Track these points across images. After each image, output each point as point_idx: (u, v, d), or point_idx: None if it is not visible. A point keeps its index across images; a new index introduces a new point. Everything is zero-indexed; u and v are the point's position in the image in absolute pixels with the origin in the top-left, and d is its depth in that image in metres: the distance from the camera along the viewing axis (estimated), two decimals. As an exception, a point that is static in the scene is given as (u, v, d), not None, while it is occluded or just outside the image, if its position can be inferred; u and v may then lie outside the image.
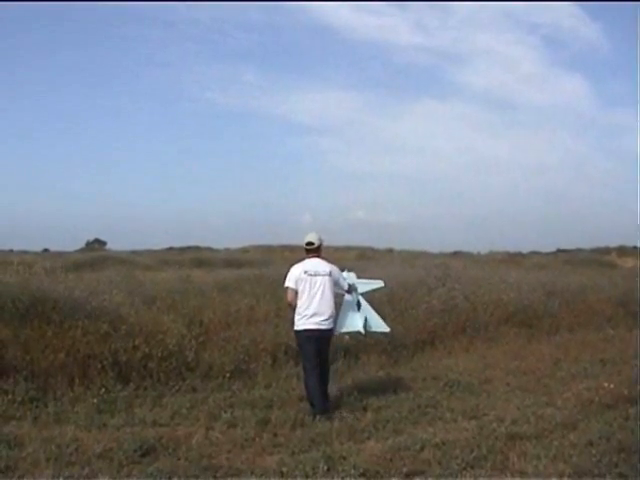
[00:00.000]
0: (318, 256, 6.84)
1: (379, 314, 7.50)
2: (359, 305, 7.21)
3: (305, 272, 6.65)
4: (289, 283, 6.69)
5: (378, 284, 7.71)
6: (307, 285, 6.62)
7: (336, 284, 6.83)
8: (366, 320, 7.15)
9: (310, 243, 6.82)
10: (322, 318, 6.61)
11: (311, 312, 6.58)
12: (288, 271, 6.81)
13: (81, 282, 9.98)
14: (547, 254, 38.80)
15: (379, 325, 7.33)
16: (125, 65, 62.29)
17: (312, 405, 6.55)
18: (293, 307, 6.72)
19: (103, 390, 7.06)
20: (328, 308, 6.66)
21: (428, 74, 64.40)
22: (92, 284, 10.33)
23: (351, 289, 7.15)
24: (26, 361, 7.18)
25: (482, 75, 66.61)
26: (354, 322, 7.13)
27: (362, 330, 7.16)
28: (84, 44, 60.02)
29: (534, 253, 38.57)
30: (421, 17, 63.72)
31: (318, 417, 6.30)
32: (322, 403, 6.52)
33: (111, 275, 14.69)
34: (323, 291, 6.64)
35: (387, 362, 9.10)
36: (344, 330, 7.21)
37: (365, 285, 7.48)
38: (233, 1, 55.43)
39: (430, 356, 9.74)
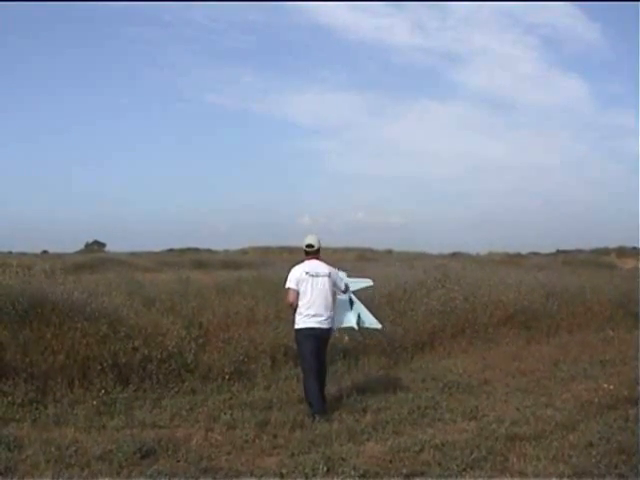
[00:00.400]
0: (317, 258, 6.94)
1: (378, 315, 7.55)
2: (352, 303, 7.34)
3: (306, 273, 6.76)
4: (290, 284, 6.78)
5: (367, 282, 7.88)
6: (308, 286, 6.73)
7: (334, 285, 6.94)
8: (359, 317, 7.29)
9: (310, 245, 6.93)
10: (322, 318, 6.73)
11: (312, 312, 6.69)
12: (289, 273, 6.88)
13: (80, 284, 9.97)
14: (546, 255, 38.95)
15: (372, 322, 7.47)
16: (124, 66, 62.44)
17: (310, 405, 6.58)
18: (294, 307, 6.78)
19: (103, 392, 7.06)
20: (328, 308, 6.78)
21: (426, 75, 64.66)
22: (91, 286, 10.33)
23: (347, 289, 7.22)
24: (25, 363, 7.17)
25: (481, 75, 66.91)
26: (347, 319, 7.28)
27: (355, 326, 7.31)
28: (84, 45, 60.19)
29: (533, 254, 38.72)
30: (419, 17, 63.80)
31: (317, 418, 6.31)
32: (320, 404, 6.56)
33: (110, 277, 14.72)
34: (323, 291, 6.75)
35: (386, 363, 9.10)
36: (338, 326, 7.31)
37: (355, 284, 7.60)
38: (232, 1, 55.44)
39: (429, 357, 9.74)
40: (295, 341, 6.95)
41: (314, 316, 6.68)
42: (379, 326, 7.62)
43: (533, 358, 9.64)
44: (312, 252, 6.92)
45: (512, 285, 13.12)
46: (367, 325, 7.43)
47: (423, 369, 8.95)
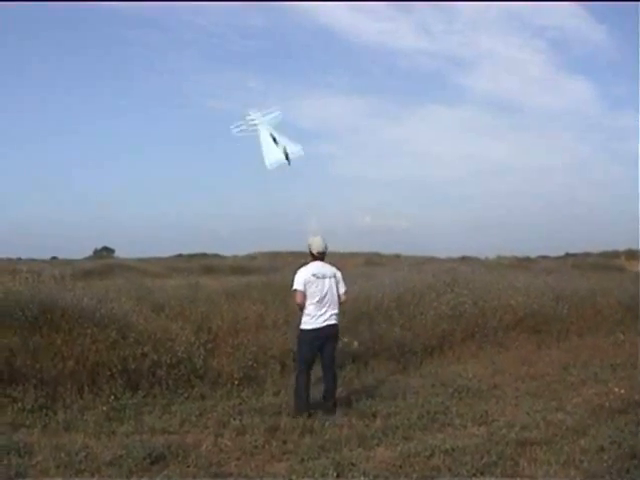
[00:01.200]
0: (322, 259, 7.14)
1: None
2: (275, 139, 7.73)
3: (313, 275, 6.95)
4: (298, 286, 6.93)
5: (276, 113, 8.14)
6: (316, 287, 6.90)
7: (337, 284, 7.13)
8: (285, 151, 7.61)
9: (321, 252, 7.12)
10: (331, 315, 6.95)
11: (321, 312, 6.89)
12: (295, 275, 6.99)
13: (90, 290, 10.00)
14: (555, 258, 38.77)
15: (294, 150, 7.74)
16: (130, 72, 62.51)
17: (296, 400, 6.81)
18: (301, 308, 6.94)
19: (112, 398, 7.08)
20: (335, 307, 7.02)
21: (432, 79, 64.39)
22: (101, 292, 10.35)
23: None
24: (35, 369, 7.20)
25: (488, 79, 66.57)
26: (277, 156, 7.64)
27: (287, 161, 7.60)
28: (85, 48, 60.25)
29: (542, 257, 38.55)
30: (425, 20, 63.56)
31: (327, 423, 6.34)
32: (304, 404, 6.75)
33: (119, 283, 14.75)
34: (330, 292, 6.98)
35: (396, 368, 9.09)
36: (271, 167, 7.62)
37: (268, 119, 8.07)
38: (236, 1, 55.28)
39: (439, 362, 9.71)
40: (298, 339, 7.08)
41: (322, 316, 6.89)
42: (302, 153, 7.87)
43: (543, 362, 9.60)
44: (321, 257, 7.12)
45: (521, 289, 13.07)
46: (292, 156, 7.66)
47: (432, 374, 8.93)
